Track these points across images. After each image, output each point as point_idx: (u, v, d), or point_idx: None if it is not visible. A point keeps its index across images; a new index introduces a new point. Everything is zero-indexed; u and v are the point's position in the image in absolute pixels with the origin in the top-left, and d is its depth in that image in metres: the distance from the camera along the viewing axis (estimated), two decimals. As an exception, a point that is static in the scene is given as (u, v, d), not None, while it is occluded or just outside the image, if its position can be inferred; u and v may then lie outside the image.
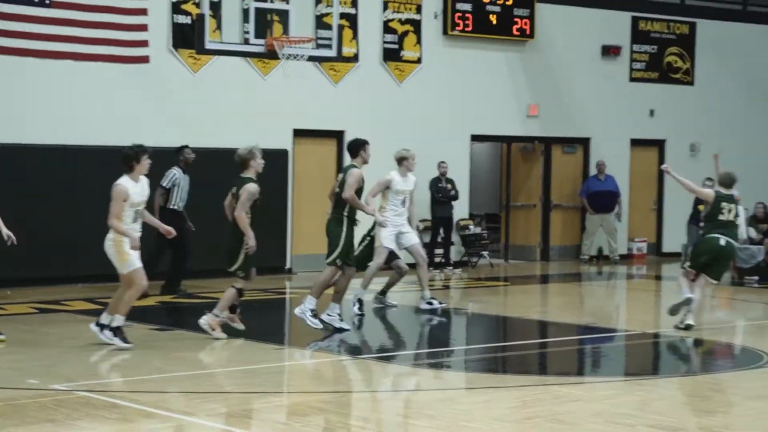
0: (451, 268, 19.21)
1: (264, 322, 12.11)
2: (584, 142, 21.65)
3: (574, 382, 9.94)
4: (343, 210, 12.03)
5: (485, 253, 20.05)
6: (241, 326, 11.70)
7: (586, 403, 8.83)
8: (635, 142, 22.08)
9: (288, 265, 18.34)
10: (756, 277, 17.41)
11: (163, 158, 16.77)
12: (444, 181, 19.25)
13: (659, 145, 22.47)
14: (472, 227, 20.05)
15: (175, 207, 15.09)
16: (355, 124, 18.94)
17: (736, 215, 12.66)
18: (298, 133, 18.52)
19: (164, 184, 15.09)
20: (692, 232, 18.10)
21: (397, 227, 13.39)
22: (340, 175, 12.30)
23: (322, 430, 7.76)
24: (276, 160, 17.48)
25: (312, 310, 12.03)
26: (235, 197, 11.36)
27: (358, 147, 12.44)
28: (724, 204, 12.61)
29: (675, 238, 21.05)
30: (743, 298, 15.95)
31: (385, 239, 13.40)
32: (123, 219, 10.59)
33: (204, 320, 11.45)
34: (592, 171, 21.35)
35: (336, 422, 8.15)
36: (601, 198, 20.98)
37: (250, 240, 11.25)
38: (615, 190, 21.06)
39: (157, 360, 10.32)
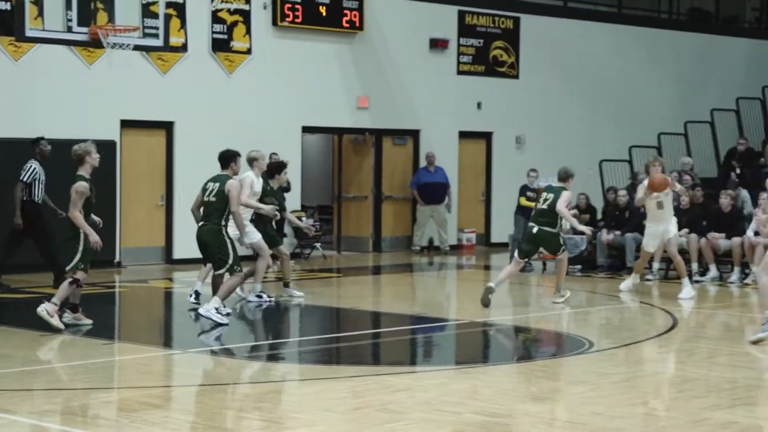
0: (282, 259, 19.17)
1: (93, 317, 11.85)
2: (414, 134, 21.91)
3: (405, 371, 10.06)
4: (220, 219, 11.97)
5: (318, 244, 20.10)
6: (88, 321, 11.71)
7: (415, 392, 8.94)
8: (463, 135, 22.46)
9: (117, 258, 17.98)
10: (579, 266, 17.95)
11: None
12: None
13: (487, 137, 22.91)
14: (304, 219, 20.05)
15: (37, 200, 14.79)
16: (185, 114, 18.71)
17: (549, 201, 13.66)
18: (126, 124, 18.17)
19: (24, 179, 14.77)
20: (519, 223, 18.53)
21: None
22: (211, 185, 12.12)
23: (151, 426, 7.63)
24: (103, 151, 17.04)
25: (216, 308, 11.91)
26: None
27: (229, 159, 12.37)
28: (543, 193, 13.97)
29: (503, 229, 21.51)
30: (567, 286, 16.38)
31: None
32: None
33: (42, 307, 11.26)
34: (422, 163, 21.63)
35: (165, 417, 8.03)
36: (432, 189, 21.28)
37: (92, 236, 11.24)
38: (445, 181, 21.40)
39: (-22, 358, 9.97)
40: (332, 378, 9.50)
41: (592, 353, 10.79)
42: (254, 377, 9.76)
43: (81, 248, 11.31)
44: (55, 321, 11.29)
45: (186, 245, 18.67)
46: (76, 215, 11.24)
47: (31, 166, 14.88)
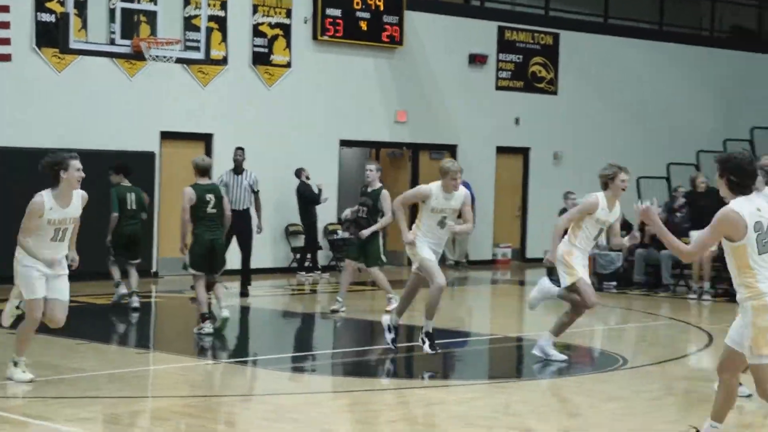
0: (319, 272, 19.24)
1: (128, 327, 11.97)
2: (451, 149, 21.93)
3: (438, 385, 10.08)
4: None
5: (353, 257, 20.13)
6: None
7: (448, 405, 8.96)
8: (501, 150, 22.46)
9: (154, 269, 18.13)
10: (614, 283, 17.89)
11: (27, 159, 16.47)
12: (307, 185, 19.21)
13: (524, 153, 22.91)
14: (340, 232, 20.12)
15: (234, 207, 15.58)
16: (224, 127, 18.86)
17: None
18: (166, 136, 18.34)
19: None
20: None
21: None
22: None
23: (185, 435, 7.71)
24: (143, 162, 17.29)
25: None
26: None
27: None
28: None
29: (538, 244, 21.48)
30: (602, 303, 16.34)
31: None
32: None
33: None
34: (458, 177, 21.61)
35: (199, 426, 8.10)
36: (456, 204, 21.24)
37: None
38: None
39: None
40: (366, 390, 9.53)
41: (626, 370, 10.76)
42: (287, 388, 9.81)
43: None
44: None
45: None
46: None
47: (220, 175, 15.71)
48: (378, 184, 14.09)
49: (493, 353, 12.34)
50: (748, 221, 6.71)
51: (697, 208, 16.81)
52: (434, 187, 11.07)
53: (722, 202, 6.91)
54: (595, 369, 11.23)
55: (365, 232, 13.95)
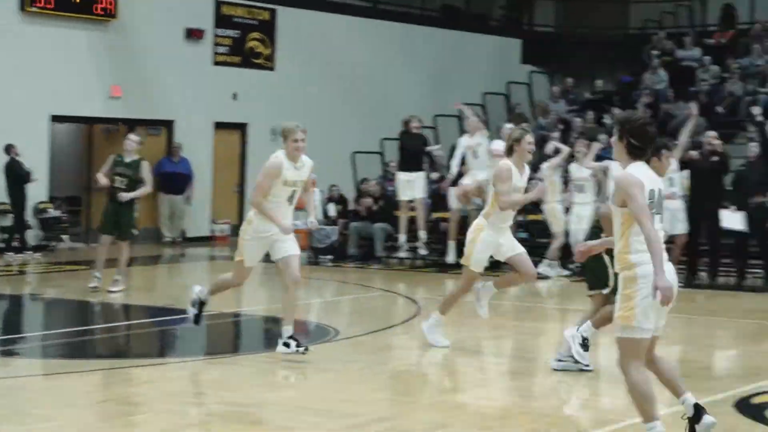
0: (30, 252, 18.58)
1: None
2: (168, 125, 21.66)
3: (150, 363, 9.97)
4: None
5: (65, 236, 19.64)
6: None
7: (159, 383, 8.90)
8: (219, 125, 22.37)
9: None
10: (330, 256, 18.23)
11: None
12: (17, 162, 18.52)
13: (242, 128, 22.91)
14: (51, 210, 19.53)
15: None
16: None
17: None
18: None
19: None
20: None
21: None
22: None
23: None
24: None
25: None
26: None
27: None
28: None
29: (257, 220, 21.54)
30: (318, 276, 16.63)
31: None
32: None
33: None
34: (177, 154, 21.45)
35: None
36: (172, 180, 21.10)
37: None
38: (187, 173, 21.29)
39: None
40: (74, 372, 9.30)
41: (338, 341, 11.02)
42: (-9, 373, 9.46)
43: None
44: None
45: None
46: None
47: None
48: (136, 156, 14.07)
49: (209, 329, 12.32)
50: (646, 186, 6.49)
51: (408, 149, 17.60)
52: (281, 155, 9.98)
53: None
54: (310, 341, 11.41)
55: (125, 196, 13.98)
